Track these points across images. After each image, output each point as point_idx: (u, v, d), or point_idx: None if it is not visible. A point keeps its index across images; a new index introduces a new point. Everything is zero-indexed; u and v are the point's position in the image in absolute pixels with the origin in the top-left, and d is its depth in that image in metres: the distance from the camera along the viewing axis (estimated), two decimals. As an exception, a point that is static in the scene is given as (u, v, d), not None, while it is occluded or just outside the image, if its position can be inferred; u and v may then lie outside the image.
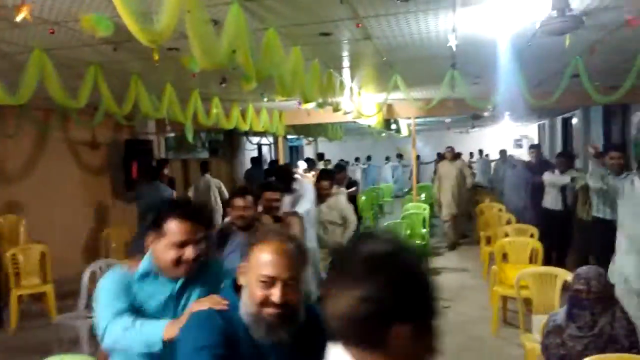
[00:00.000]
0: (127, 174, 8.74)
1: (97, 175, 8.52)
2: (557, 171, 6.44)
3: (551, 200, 6.50)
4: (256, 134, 12.31)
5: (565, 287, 3.24)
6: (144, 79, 5.11)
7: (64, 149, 7.82)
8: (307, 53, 4.29)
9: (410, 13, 3.40)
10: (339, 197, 5.22)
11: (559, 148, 13.73)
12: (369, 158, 19.40)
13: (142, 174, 8.23)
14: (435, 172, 9.84)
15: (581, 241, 5.83)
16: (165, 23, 2.17)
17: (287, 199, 4.34)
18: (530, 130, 18.22)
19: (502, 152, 11.92)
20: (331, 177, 5.60)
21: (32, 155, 7.19)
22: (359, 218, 7.69)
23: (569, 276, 3.19)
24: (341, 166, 8.15)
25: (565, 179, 6.24)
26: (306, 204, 4.54)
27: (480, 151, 16.01)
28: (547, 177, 6.52)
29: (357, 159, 18.82)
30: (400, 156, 18.58)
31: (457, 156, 9.37)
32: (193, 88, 6.09)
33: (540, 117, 15.05)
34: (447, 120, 13.31)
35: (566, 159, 6.56)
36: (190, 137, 6.61)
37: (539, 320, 3.23)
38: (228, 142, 13.13)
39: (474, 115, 10.78)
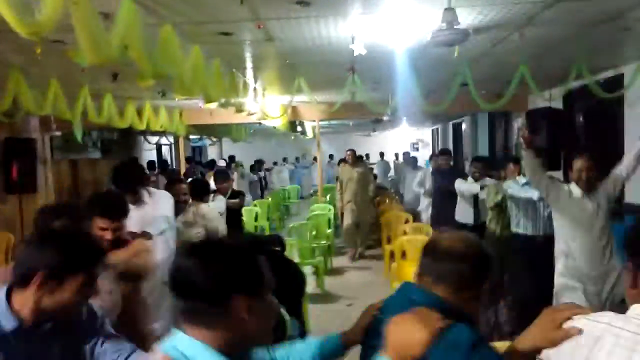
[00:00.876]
0: (6, 175, 7.91)
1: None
2: (470, 179, 5.68)
3: (462, 212, 5.70)
4: (155, 133, 11.79)
5: None
6: (26, 72, 4.65)
7: None
8: (208, 52, 4.16)
9: (311, 17, 3.43)
10: (205, 209, 4.23)
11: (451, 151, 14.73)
12: (297, 159, 19.46)
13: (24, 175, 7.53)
14: (337, 177, 8.99)
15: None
16: (47, 14, 1.97)
17: (134, 214, 2.86)
18: (426, 135, 19.35)
19: (406, 154, 12.40)
20: (225, 179, 5.41)
21: None
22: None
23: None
24: (223, 173, 6.03)
25: (475, 187, 5.49)
26: (161, 223, 3.38)
27: (381, 154, 16.71)
28: (458, 185, 5.68)
29: (284, 159, 18.81)
30: (317, 158, 18.76)
31: (359, 159, 8.84)
32: (82, 84, 5.65)
33: (434, 122, 16.04)
34: (350, 123, 13.71)
35: (483, 164, 5.71)
36: (79, 136, 6.13)
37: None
38: (123, 141, 12.40)
39: (375, 119, 11.19)
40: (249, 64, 5.26)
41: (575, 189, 3.52)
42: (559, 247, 3.62)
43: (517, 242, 4.40)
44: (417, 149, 19.28)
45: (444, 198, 6.12)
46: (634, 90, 5.41)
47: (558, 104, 7.12)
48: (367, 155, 15.99)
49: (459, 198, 5.70)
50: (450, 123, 14.52)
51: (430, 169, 8.44)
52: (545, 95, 6.75)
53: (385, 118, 9.82)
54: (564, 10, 3.43)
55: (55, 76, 5.05)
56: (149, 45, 3.03)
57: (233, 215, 5.23)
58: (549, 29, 3.95)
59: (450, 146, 14.87)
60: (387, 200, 9.58)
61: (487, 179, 5.52)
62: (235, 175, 13.06)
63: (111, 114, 6.25)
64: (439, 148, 16.75)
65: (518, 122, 8.92)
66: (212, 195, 5.00)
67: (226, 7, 3.15)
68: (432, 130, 18.21)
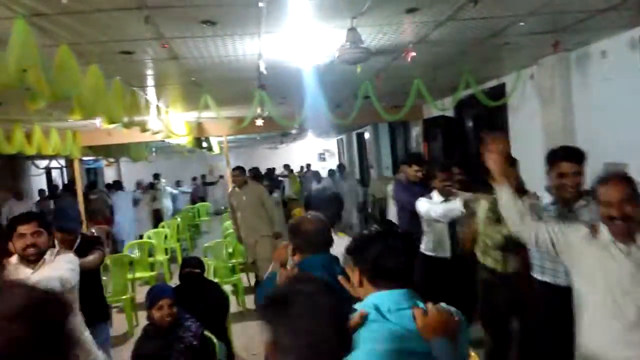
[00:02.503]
0: None
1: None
2: (435, 194, 4.10)
3: (432, 243, 4.18)
4: (44, 157, 10.88)
5: None
6: None
7: None
8: (106, 71, 3.97)
9: (218, 37, 3.43)
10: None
11: (356, 159, 15.25)
12: (203, 176, 18.81)
13: None
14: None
15: (493, 304, 3.49)
16: None
17: None
18: (331, 145, 19.86)
19: (340, 166, 11.76)
20: None
21: None
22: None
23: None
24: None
25: (453, 206, 3.84)
26: None
27: (287, 166, 16.77)
28: (423, 207, 4.03)
29: (194, 178, 18.22)
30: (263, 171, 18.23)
31: (255, 177, 7.66)
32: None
33: (339, 133, 16.53)
34: (257, 137, 13.69)
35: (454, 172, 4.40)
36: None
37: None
38: (7, 167, 11.32)
39: (283, 133, 11.30)
40: (151, 82, 5.09)
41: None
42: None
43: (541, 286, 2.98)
44: (324, 159, 19.71)
45: (415, 222, 4.24)
46: (515, 96, 6.03)
47: (450, 112, 7.72)
48: (287, 166, 16.17)
49: (425, 225, 4.19)
50: (354, 133, 15.06)
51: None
52: (439, 104, 7.27)
53: (293, 131, 9.98)
54: (452, 30, 3.76)
55: None
56: (45, 67, 2.84)
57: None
58: (439, 46, 4.29)
59: (356, 155, 15.40)
60: (299, 210, 9.66)
61: (466, 193, 3.93)
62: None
63: (-4, 140, 5.71)
64: (345, 157, 17.25)
65: (416, 130, 9.51)
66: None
67: (128, 27, 3.04)
68: (337, 140, 18.74)
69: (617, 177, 2.11)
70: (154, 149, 14.04)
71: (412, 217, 4.30)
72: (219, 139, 12.13)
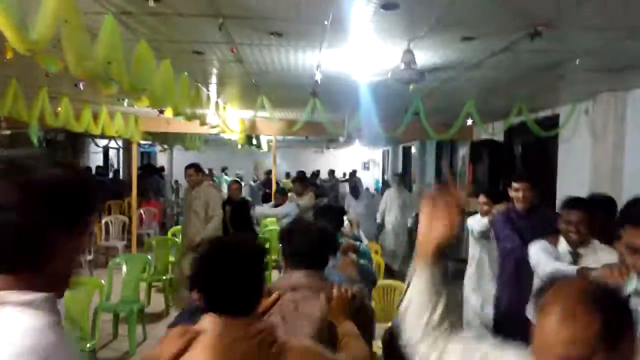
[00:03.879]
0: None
1: None
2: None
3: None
4: (104, 136, 11.56)
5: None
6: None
7: None
8: (176, 67, 4.29)
9: (282, 47, 3.67)
10: None
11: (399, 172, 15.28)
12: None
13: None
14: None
15: None
16: (41, 33, 2.09)
17: None
18: (377, 155, 19.94)
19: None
20: None
21: None
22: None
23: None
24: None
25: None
26: None
27: (332, 172, 16.90)
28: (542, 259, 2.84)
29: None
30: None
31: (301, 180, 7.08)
32: (41, 86, 5.60)
33: (386, 144, 16.60)
34: (305, 139, 13.98)
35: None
36: (34, 138, 6.03)
37: (382, 329, 3.65)
38: (70, 143, 12.07)
39: (330, 138, 11.52)
40: (214, 80, 5.41)
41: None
42: None
43: None
44: (368, 168, 19.81)
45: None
46: (568, 129, 5.99)
47: (500, 137, 7.70)
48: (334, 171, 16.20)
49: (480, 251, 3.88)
50: (401, 145, 15.10)
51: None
52: (489, 128, 7.29)
53: (341, 139, 10.16)
54: (507, 58, 3.85)
55: (16, 77, 5.00)
56: (126, 60, 3.15)
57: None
58: (494, 71, 4.37)
59: (400, 167, 15.43)
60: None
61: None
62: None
63: (68, 118, 6.19)
64: (389, 168, 17.26)
65: (463, 150, 9.50)
66: None
67: (202, 31, 3.32)
68: (383, 151, 18.79)
69: (577, 203, 2.81)
70: (205, 141, 14.60)
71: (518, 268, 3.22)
72: (268, 137, 12.50)
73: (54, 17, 2.16)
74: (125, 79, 3.19)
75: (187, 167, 5.77)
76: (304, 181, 6.91)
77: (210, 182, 6.84)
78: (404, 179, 8.14)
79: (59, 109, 6.20)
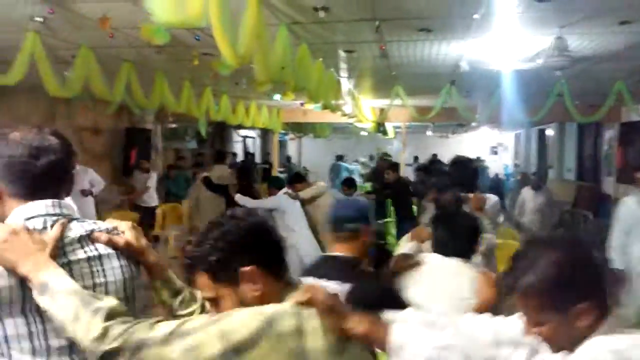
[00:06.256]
0: (125, 160, 9.03)
1: (98, 161, 8.76)
2: None
3: None
4: (243, 127, 12.72)
5: None
6: (167, 75, 5.47)
7: (69, 134, 8.03)
8: (325, 64, 4.74)
9: (428, 41, 3.90)
10: None
11: (533, 158, 14.51)
12: (371, 157, 18.85)
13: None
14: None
15: None
16: (246, 47, 2.59)
17: None
18: (507, 139, 19.04)
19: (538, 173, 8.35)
20: None
21: (40, 139, 7.41)
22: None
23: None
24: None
25: None
26: None
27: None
28: None
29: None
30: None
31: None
32: (206, 85, 6.46)
33: (518, 127, 15.82)
34: (431, 125, 13.96)
35: None
36: (203, 130, 6.97)
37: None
38: (217, 133, 13.44)
39: (459, 123, 11.41)
40: (354, 73, 5.80)
41: None
42: None
43: None
44: (496, 153, 19.03)
45: None
46: None
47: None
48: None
49: None
50: (535, 129, 14.33)
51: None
52: (640, 108, 6.76)
53: (473, 124, 10.03)
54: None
55: (188, 78, 5.86)
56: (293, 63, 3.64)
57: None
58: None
59: (534, 152, 14.66)
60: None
61: None
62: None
63: (227, 112, 7.06)
64: (522, 153, 16.43)
65: (610, 133, 8.85)
66: None
67: (358, 32, 3.69)
68: (515, 134, 17.90)
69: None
70: (333, 129, 15.27)
71: None
72: (394, 123, 12.72)
73: (253, 33, 2.64)
74: (291, 80, 3.67)
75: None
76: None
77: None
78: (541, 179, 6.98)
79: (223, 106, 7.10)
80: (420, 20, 3.33)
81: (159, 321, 1.07)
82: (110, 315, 1.04)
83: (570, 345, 1.11)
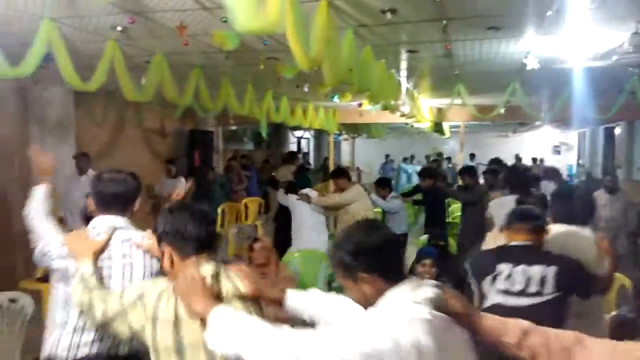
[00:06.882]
0: (189, 161, 9.39)
1: (163, 162, 9.17)
2: None
3: None
4: (298, 128, 12.89)
5: None
6: (231, 78, 5.66)
7: (139, 136, 8.48)
8: (387, 65, 4.75)
9: (495, 39, 3.83)
10: None
11: (599, 157, 13.85)
12: (412, 158, 18.78)
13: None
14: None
15: None
16: (316, 51, 2.66)
17: None
18: (570, 137, 18.24)
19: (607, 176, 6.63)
20: None
21: (112, 141, 7.86)
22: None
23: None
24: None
25: None
26: None
27: (519, 158, 15.96)
28: None
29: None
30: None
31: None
32: (267, 88, 6.63)
33: (582, 125, 15.13)
34: (490, 124, 13.58)
35: None
36: (264, 132, 7.15)
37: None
38: (273, 135, 13.70)
39: (520, 122, 11.06)
40: (414, 73, 5.77)
41: None
42: None
43: None
44: (559, 152, 18.27)
45: None
46: None
47: None
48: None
49: None
50: (602, 127, 13.65)
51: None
52: None
53: (537, 123, 9.71)
54: None
55: (250, 82, 6.04)
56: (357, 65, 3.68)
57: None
58: None
59: (599, 151, 13.99)
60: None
61: None
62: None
63: (286, 114, 7.20)
64: (587, 153, 15.68)
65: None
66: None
67: (424, 33, 3.68)
68: (579, 133, 17.12)
69: None
70: (388, 129, 15.20)
71: None
72: (451, 123, 12.49)
73: (323, 37, 2.72)
74: (355, 81, 3.72)
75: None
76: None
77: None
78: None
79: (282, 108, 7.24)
80: (489, 18, 3.29)
81: None
82: None
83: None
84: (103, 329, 1.69)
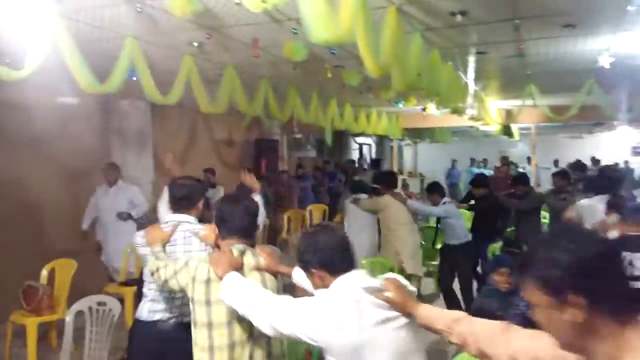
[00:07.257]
0: (256, 170, 9.65)
1: (231, 171, 9.49)
2: None
3: None
4: (359, 134, 12.89)
5: None
6: (297, 88, 5.80)
7: (209, 146, 8.84)
8: (454, 66, 4.68)
9: (571, 37, 3.68)
10: None
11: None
12: (484, 161, 17.45)
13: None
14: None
15: None
16: (386, 58, 2.69)
17: None
18: (652, 137, 17.01)
19: None
20: None
21: (186, 150, 8.25)
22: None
23: None
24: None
25: None
26: None
27: (596, 161, 15.02)
28: None
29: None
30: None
31: None
32: (331, 96, 6.71)
33: (666, 124, 14.05)
34: (560, 124, 12.94)
35: None
36: (329, 139, 7.24)
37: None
38: (338, 141, 13.78)
39: (596, 122, 10.47)
40: (481, 75, 5.63)
41: None
42: None
43: None
44: (639, 154, 17.08)
45: None
46: None
47: None
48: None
49: None
50: (689, 125, 12.62)
51: None
52: None
53: (615, 122, 9.17)
54: None
55: (316, 91, 6.14)
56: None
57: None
58: None
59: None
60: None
61: None
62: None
63: (350, 121, 7.25)
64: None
65: None
66: None
67: (494, 33, 3.60)
68: (662, 132, 15.94)
69: None
70: (453, 132, 14.86)
71: None
72: (519, 125, 12.03)
73: (392, 43, 2.74)
74: (424, 86, 3.70)
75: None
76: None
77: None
78: None
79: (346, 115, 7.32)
80: (564, 16, 3.17)
81: None
82: None
83: None
84: (166, 284, 2.14)
